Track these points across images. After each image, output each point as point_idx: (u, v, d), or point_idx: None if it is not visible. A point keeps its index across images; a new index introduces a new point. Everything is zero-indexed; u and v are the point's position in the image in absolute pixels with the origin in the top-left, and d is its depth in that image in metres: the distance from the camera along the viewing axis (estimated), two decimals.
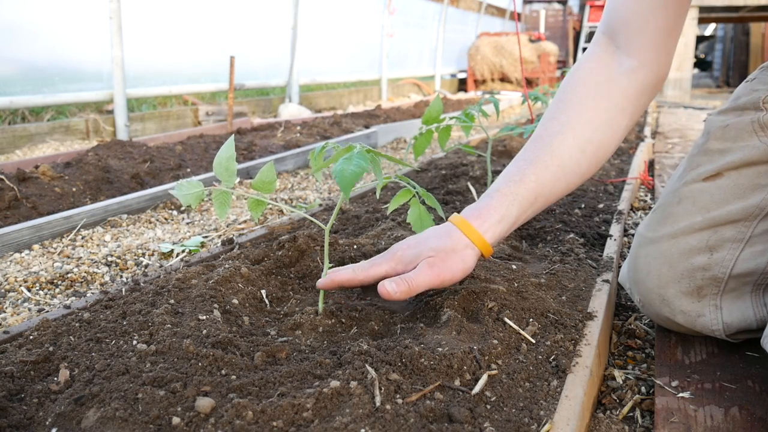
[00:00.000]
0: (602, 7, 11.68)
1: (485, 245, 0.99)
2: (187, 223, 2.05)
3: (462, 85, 10.11)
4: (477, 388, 0.80)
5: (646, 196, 2.37)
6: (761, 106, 1.03)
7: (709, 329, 1.03)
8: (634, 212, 2.12)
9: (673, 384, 0.95)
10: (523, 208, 1.01)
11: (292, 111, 5.17)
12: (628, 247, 1.66)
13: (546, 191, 1.02)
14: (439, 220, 1.54)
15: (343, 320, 1.01)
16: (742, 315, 1.02)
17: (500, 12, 11.64)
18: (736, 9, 7.56)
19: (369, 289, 1.20)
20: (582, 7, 12.65)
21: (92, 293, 1.46)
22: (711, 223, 1.02)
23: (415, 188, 1.14)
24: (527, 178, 1.01)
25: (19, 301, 1.42)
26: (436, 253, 0.96)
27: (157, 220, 2.08)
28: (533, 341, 0.93)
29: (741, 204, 1.00)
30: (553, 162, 1.02)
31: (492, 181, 2.04)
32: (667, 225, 1.06)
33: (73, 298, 1.43)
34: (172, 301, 1.03)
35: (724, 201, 1.02)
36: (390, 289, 0.93)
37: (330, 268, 1.05)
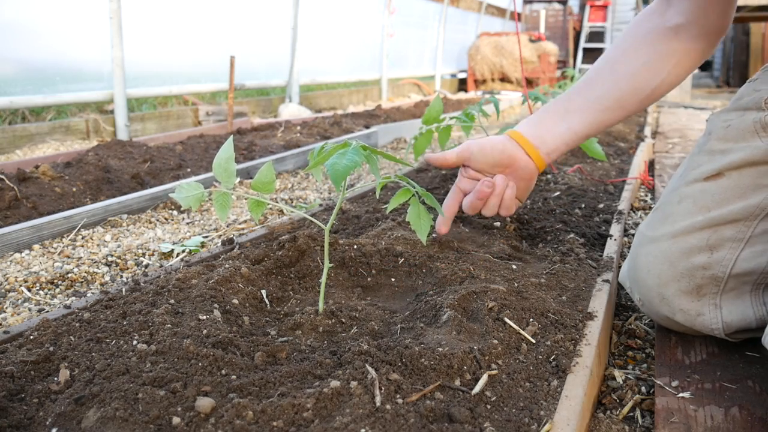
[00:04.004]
0: (602, 7, 11.71)
1: (517, 134, 1.21)
2: (187, 223, 2.05)
3: (462, 85, 10.10)
4: (477, 388, 0.80)
5: (646, 196, 2.37)
6: (763, 106, 1.04)
7: (709, 328, 1.04)
8: (634, 212, 2.12)
9: (674, 384, 0.95)
10: (564, 103, 1.21)
11: (292, 111, 5.17)
12: (628, 247, 1.66)
13: (592, 96, 1.19)
14: None
15: (343, 320, 1.01)
16: (742, 314, 1.02)
17: (500, 12, 11.63)
18: (737, 9, 7.57)
19: (369, 288, 1.20)
20: (582, 7, 12.63)
21: (92, 293, 1.46)
22: (711, 222, 1.02)
23: (414, 188, 1.14)
24: (574, 87, 1.23)
25: (20, 301, 1.42)
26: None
27: (158, 220, 2.08)
28: (533, 341, 0.93)
29: (742, 204, 1.01)
30: (598, 80, 1.20)
31: None
32: (668, 224, 1.07)
33: (74, 298, 1.43)
34: (172, 301, 1.03)
35: (725, 201, 1.02)
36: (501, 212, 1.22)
37: (330, 267, 1.05)
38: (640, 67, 1.16)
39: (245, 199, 2.26)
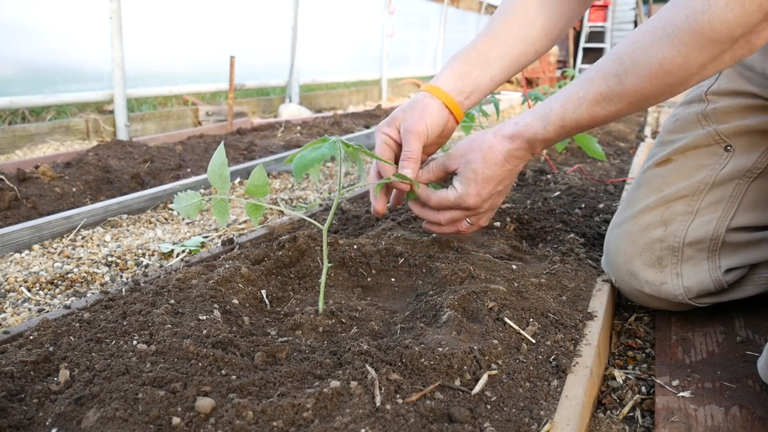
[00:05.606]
0: (603, 7, 11.70)
1: (435, 88, 1.18)
2: (187, 224, 2.05)
3: None
4: (477, 388, 0.80)
5: None
6: (704, 98, 1.16)
7: (673, 295, 1.14)
8: None
9: (674, 383, 0.95)
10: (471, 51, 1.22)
11: (292, 111, 5.17)
12: None
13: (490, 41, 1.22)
14: None
15: (343, 320, 1.01)
16: (700, 279, 1.13)
17: None
18: None
19: (369, 288, 1.20)
20: None
21: (92, 293, 1.46)
22: (663, 200, 1.15)
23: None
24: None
25: (19, 301, 1.42)
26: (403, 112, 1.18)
27: (157, 220, 2.08)
28: (533, 341, 0.93)
29: (688, 181, 1.14)
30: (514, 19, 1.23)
31: None
32: (629, 208, 1.19)
33: (73, 298, 1.43)
34: (172, 301, 1.03)
35: (674, 181, 1.14)
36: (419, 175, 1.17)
37: (330, 267, 1.05)
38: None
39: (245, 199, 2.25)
